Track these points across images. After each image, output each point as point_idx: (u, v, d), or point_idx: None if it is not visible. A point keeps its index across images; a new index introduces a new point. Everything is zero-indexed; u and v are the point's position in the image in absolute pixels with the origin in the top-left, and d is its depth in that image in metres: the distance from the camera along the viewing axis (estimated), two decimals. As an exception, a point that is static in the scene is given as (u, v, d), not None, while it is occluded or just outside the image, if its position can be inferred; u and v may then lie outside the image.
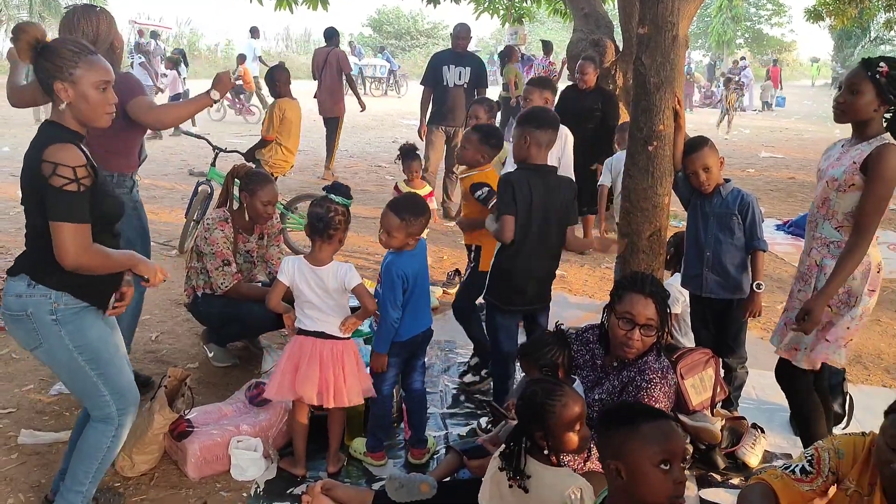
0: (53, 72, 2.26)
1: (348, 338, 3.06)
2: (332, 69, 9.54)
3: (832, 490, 2.27)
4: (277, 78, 6.09)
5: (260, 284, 4.09)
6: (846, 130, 3.00)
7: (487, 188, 3.70)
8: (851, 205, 2.82)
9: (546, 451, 2.32)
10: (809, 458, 2.27)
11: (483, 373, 3.97)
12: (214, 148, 6.13)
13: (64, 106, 2.28)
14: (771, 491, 2.22)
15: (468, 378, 3.99)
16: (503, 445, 2.42)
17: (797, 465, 2.27)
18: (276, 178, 6.04)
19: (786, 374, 3.13)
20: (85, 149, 2.33)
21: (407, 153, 5.37)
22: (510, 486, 2.31)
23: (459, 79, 7.49)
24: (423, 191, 5.26)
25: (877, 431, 2.19)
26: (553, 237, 3.32)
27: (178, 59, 14.49)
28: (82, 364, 2.42)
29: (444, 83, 7.50)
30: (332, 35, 9.92)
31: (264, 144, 5.98)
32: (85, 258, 2.26)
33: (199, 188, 6.16)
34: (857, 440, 2.24)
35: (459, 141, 7.28)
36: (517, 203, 3.17)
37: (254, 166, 5.12)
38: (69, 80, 2.26)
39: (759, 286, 3.35)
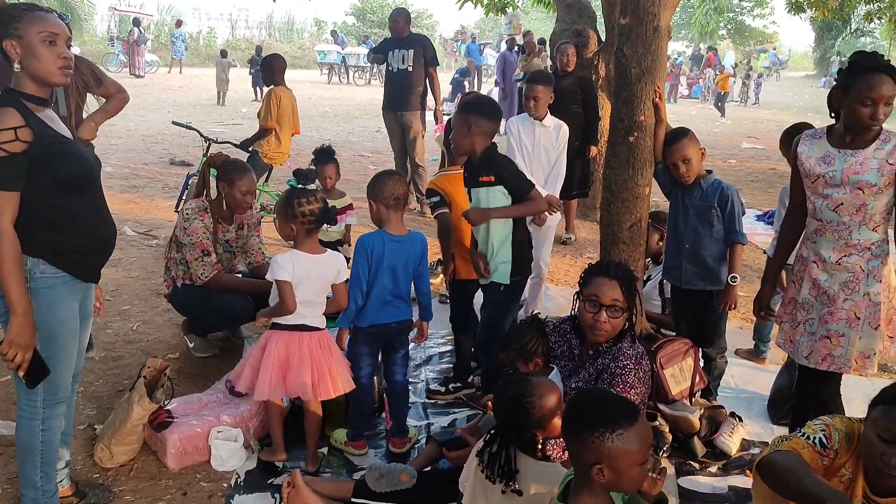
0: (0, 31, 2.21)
1: (325, 328, 3.04)
2: None
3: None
4: (274, 66, 6.03)
5: (240, 275, 4.07)
6: (822, 121, 2.99)
7: (438, 197, 3.59)
8: (885, 203, 2.78)
9: (538, 446, 2.31)
10: (822, 431, 2.25)
11: (471, 379, 3.77)
12: (206, 139, 6.04)
13: (18, 66, 2.23)
14: (803, 460, 2.20)
15: (452, 385, 3.74)
16: (482, 442, 2.40)
17: (815, 437, 2.24)
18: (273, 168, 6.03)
19: (812, 382, 2.96)
20: (39, 112, 2.25)
21: (321, 156, 4.64)
22: (503, 493, 2.27)
23: (403, 62, 7.20)
24: (341, 202, 4.63)
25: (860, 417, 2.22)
26: None
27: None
28: (35, 341, 2.29)
29: (390, 68, 7.32)
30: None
31: (264, 134, 5.90)
32: None
33: (191, 181, 6.07)
34: (856, 426, 2.23)
35: (413, 129, 7.15)
36: None
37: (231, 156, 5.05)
38: (15, 36, 2.20)
39: (734, 279, 3.37)
